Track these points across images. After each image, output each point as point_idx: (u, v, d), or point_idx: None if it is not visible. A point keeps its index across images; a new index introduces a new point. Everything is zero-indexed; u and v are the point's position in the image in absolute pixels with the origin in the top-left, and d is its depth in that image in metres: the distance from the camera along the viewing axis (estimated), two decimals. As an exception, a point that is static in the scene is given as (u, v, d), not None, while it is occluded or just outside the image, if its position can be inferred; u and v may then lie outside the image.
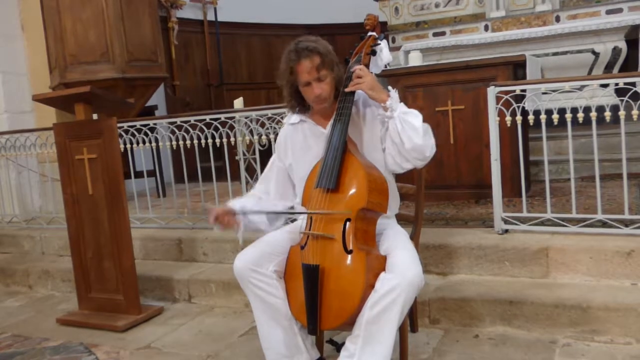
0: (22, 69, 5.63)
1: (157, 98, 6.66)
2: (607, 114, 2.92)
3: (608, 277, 2.77)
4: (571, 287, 2.77)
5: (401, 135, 2.07)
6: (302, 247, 2.10)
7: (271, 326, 2.18)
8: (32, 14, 5.52)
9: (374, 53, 2.28)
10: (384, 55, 2.34)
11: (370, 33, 2.33)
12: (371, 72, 2.21)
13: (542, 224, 3.09)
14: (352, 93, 2.17)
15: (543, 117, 3.04)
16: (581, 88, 3.09)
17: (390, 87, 2.16)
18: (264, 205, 2.35)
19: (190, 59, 8.21)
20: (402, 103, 2.12)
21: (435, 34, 6.93)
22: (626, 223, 2.91)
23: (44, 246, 4.63)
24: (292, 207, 2.42)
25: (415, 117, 2.08)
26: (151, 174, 5.16)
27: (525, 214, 3.16)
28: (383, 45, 2.33)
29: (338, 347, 2.30)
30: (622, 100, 2.85)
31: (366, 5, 7.18)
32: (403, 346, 2.24)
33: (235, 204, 2.30)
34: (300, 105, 2.30)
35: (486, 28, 6.62)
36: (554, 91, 3.04)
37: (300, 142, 2.33)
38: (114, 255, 3.34)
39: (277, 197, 2.42)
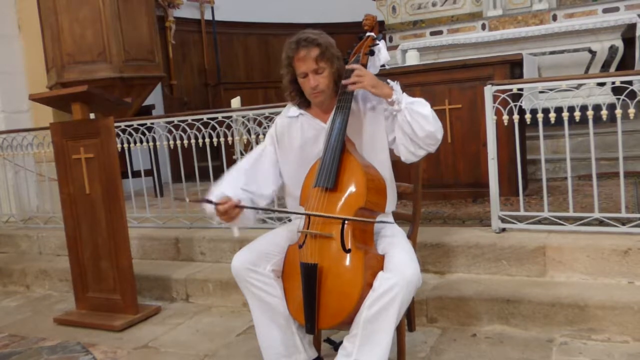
0: (19, 68, 5.62)
1: (155, 97, 6.65)
2: (604, 113, 2.92)
3: (605, 276, 2.77)
4: (568, 285, 2.77)
5: (412, 125, 2.08)
6: (300, 246, 2.10)
7: (269, 325, 2.18)
8: (29, 14, 5.51)
9: (372, 53, 2.28)
10: (382, 55, 2.35)
11: (368, 33, 2.34)
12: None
13: (539, 222, 3.10)
14: (350, 93, 2.17)
15: (540, 115, 3.04)
16: (578, 87, 3.09)
17: (389, 80, 2.16)
18: (254, 198, 2.27)
19: (188, 58, 8.21)
20: (404, 93, 2.13)
21: (432, 33, 6.93)
22: (623, 222, 2.91)
23: (41, 246, 4.62)
24: (272, 203, 2.36)
25: (423, 106, 2.10)
26: (148, 173, 5.16)
27: (522, 212, 3.16)
28: (381, 45, 2.33)
29: (336, 346, 2.30)
30: (618, 99, 2.85)
31: (363, 4, 7.18)
32: (401, 345, 2.24)
33: (232, 194, 2.15)
34: (300, 97, 2.29)
35: (483, 27, 6.62)
36: (551, 90, 3.05)
37: (298, 137, 2.32)
38: (112, 254, 3.33)
39: (263, 186, 2.32)
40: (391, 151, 2.28)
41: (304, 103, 2.31)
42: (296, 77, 2.22)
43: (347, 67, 2.19)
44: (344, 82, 2.14)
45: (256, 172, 2.33)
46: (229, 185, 2.23)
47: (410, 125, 2.08)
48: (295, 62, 2.17)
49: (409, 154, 2.17)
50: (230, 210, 2.09)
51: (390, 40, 7.14)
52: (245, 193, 2.23)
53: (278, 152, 2.37)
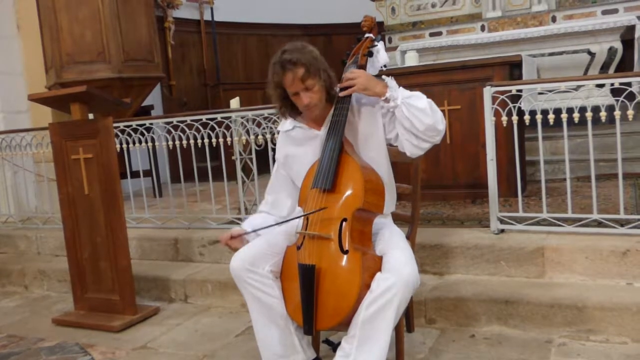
0: (18, 68, 5.62)
1: (154, 98, 6.65)
2: (603, 114, 2.92)
3: (603, 277, 2.78)
4: (567, 286, 2.77)
5: (411, 119, 2.08)
6: (299, 247, 2.10)
7: (267, 326, 2.18)
8: (28, 14, 5.51)
9: (370, 54, 2.29)
10: (381, 56, 2.35)
11: (367, 35, 2.34)
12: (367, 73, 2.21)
13: (538, 223, 3.10)
14: (348, 97, 2.17)
15: (539, 117, 3.04)
16: (577, 88, 3.09)
17: (384, 77, 2.16)
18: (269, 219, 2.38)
19: (187, 58, 8.21)
20: (401, 88, 2.12)
21: (431, 34, 6.94)
22: (621, 223, 2.91)
23: (40, 246, 4.62)
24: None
25: (419, 99, 2.10)
26: (147, 173, 5.16)
27: (521, 213, 3.16)
28: (380, 46, 2.34)
29: (334, 347, 2.29)
30: (617, 101, 2.85)
31: (363, 5, 7.17)
32: (399, 346, 2.24)
33: (247, 225, 2.33)
34: (291, 110, 2.29)
35: (482, 28, 6.62)
36: (549, 91, 3.04)
37: (296, 148, 2.34)
38: (110, 255, 3.33)
39: (285, 198, 2.42)
40: (391, 152, 2.28)
41: (295, 114, 2.32)
42: (287, 95, 2.22)
43: (345, 70, 2.19)
44: (340, 94, 2.14)
45: (277, 192, 2.44)
46: (253, 219, 2.42)
47: (409, 120, 2.08)
48: (284, 83, 2.17)
49: (414, 148, 2.16)
50: (230, 243, 2.25)
51: (390, 41, 7.14)
52: (268, 217, 2.39)
53: (287, 170, 2.39)
